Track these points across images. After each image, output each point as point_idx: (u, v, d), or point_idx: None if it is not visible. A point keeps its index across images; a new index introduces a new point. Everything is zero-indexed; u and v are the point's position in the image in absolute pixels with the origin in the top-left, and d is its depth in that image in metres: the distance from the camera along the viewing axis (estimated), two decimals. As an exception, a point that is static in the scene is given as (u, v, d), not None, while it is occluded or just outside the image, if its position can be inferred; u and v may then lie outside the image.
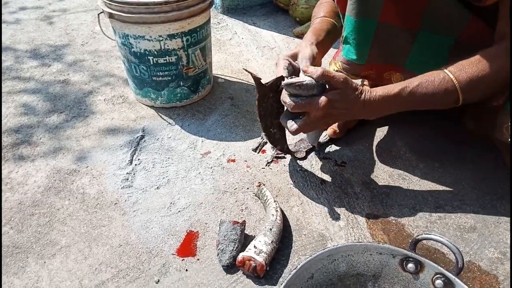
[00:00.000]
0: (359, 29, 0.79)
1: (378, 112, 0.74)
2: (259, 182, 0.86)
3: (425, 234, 0.59)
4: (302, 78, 0.71)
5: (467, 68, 0.70)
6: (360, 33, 0.79)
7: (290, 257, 0.72)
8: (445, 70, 0.71)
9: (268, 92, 0.79)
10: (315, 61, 0.80)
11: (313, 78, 0.70)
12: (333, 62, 0.89)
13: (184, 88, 1.13)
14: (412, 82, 0.71)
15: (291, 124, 0.73)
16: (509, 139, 0.72)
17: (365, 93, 0.71)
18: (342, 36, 0.84)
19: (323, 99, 0.69)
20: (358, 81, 0.72)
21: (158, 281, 0.68)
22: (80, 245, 0.74)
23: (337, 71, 0.86)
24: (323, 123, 0.74)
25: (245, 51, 1.49)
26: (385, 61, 0.84)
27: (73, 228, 0.78)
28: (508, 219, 0.78)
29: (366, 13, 0.77)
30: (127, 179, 0.89)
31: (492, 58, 0.69)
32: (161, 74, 1.09)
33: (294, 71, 0.78)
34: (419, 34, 0.78)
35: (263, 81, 0.78)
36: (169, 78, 1.10)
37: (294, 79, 0.70)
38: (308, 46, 0.82)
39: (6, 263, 0.71)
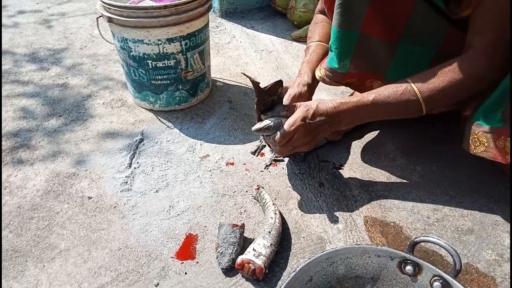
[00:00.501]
0: (341, 39, 0.81)
1: (341, 121, 0.77)
2: (257, 185, 0.86)
3: (423, 236, 0.60)
4: (266, 121, 0.77)
5: (430, 79, 0.72)
6: (343, 43, 0.81)
7: (289, 260, 0.72)
8: (409, 81, 0.73)
9: (267, 96, 0.79)
10: (302, 99, 0.86)
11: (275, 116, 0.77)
12: (319, 68, 0.91)
13: (183, 91, 1.14)
14: (374, 92, 0.75)
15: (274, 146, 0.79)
16: (475, 152, 0.72)
17: (320, 102, 0.76)
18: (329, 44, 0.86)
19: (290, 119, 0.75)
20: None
21: (158, 284, 0.68)
22: (79, 249, 0.74)
23: (321, 77, 0.89)
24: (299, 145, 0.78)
25: (243, 55, 1.50)
26: (367, 70, 0.86)
27: (72, 231, 0.78)
28: (505, 221, 0.79)
29: (349, 24, 0.79)
30: (126, 182, 0.89)
31: (455, 69, 0.71)
32: (160, 77, 1.09)
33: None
34: (399, 47, 0.81)
35: (262, 85, 0.78)
36: (168, 81, 1.10)
37: (260, 125, 0.76)
38: (299, 85, 0.88)
39: (5, 267, 0.71)
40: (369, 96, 0.74)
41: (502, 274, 0.69)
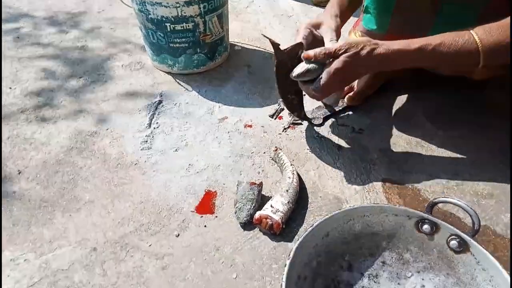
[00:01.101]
0: None
1: (393, 65, 0.71)
2: (275, 147, 0.87)
3: (442, 197, 0.60)
4: (304, 65, 0.72)
5: (494, 32, 0.67)
6: (381, 2, 0.77)
7: (306, 217, 0.73)
8: (471, 32, 0.69)
9: (287, 58, 0.78)
10: (338, 33, 0.79)
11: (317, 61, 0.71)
12: (353, 31, 0.88)
13: (201, 55, 1.13)
14: (435, 40, 0.69)
15: (310, 87, 0.73)
16: None
17: (378, 48, 0.69)
18: (363, 6, 0.83)
19: (335, 63, 0.69)
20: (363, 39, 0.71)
21: (178, 235, 0.70)
22: (103, 201, 0.77)
23: None
24: (340, 81, 0.73)
25: (262, 19, 1.47)
26: (407, 32, 0.81)
27: (96, 185, 0.80)
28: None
29: None
30: (146, 141, 0.91)
31: None
32: (178, 40, 1.09)
33: (314, 40, 0.78)
34: (442, 6, 0.76)
35: (282, 47, 0.77)
36: (186, 44, 1.10)
37: (299, 70, 0.72)
38: (332, 17, 0.80)
39: (35, 215, 0.74)
40: (429, 45, 0.68)
41: (519, 237, 0.69)
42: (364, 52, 0.68)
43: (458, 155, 0.86)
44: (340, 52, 0.69)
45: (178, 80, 1.13)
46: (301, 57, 0.74)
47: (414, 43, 0.69)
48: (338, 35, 0.81)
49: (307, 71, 0.72)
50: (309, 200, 0.77)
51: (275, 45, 0.77)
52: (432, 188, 0.79)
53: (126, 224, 0.72)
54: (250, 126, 0.96)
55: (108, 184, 0.80)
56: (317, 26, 0.81)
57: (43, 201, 0.77)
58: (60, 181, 0.81)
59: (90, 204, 0.76)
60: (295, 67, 0.78)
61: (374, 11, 0.79)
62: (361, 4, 0.89)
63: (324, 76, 0.70)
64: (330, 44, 0.76)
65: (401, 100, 1.03)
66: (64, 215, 0.74)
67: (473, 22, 0.75)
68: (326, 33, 0.78)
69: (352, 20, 0.94)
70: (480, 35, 0.68)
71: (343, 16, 0.85)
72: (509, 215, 0.73)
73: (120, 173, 0.83)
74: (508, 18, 0.68)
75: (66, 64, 1.21)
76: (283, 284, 0.51)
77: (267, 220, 0.69)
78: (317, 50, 0.71)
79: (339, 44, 0.70)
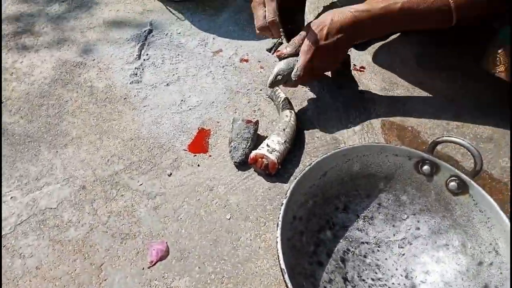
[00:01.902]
0: None
1: (367, 31, 0.68)
2: (273, 83, 0.82)
3: (445, 136, 0.58)
4: (279, 66, 0.71)
5: None
6: None
7: (302, 158, 0.72)
8: None
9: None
10: None
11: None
12: None
13: (194, -21, 1.04)
14: None
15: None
16: (494, 72, 0.67)
17: (343, 15, 0.66)
18: None
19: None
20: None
21: (171, 174, 0.68)
22: (91, 137, 0.74)
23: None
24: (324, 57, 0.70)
25: None
26: None
27: (83, 120, 0.77)
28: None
29: None
30: (136, 74, 0.86)
31: None
32: (169, -39, 0.99)
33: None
34: None
35: None
36: (178, -34, 1.00)
37: (273, 76, 0.71)
38: None
39: (19, 151, 0.71)
40: (397, 3, 0.64)
41: (516, 181, 0.69)
42: (327, 20, 0.66)
43: (461, 98, 0.83)
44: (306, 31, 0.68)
45: (169, 8, 1.04)
46: (275, 55, 0.73)
47: (379, 3, 0.65)
48: None
49: (279, 74, 0.71)
50: (306, 141, 0.74)
51: None
52: (432, 130, 0.76)
53: (116, 162, 0.70)
54: (246, 60, 0.91)
55: (96, 119, 0.77)
56: None
57: (27, 136, 0.73)
58: (45, 115, 0.77)
59: (77, 140, 0.73)
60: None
61: None
62: None
63: (300, 58, 0.68)
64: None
65: (405, 40, 0.96)
66: (51, 151, 0.71)
67: None
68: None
69: None
70: None
71: None
72: (507, 159, 0.72)
73: (108, 107, 0.79)
74: None
75: (45, -13, 1.11)
76: (279, 223, 0.50)
77: (263, 159, 0.67)
78: (288, 45, 0.71)
79: (307, 27, 0.69)
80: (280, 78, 0.71)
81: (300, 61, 0.68)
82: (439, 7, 0.64)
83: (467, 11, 0.65)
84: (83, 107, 0.79)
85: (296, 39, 0.71)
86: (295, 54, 0.71)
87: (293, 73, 0.70)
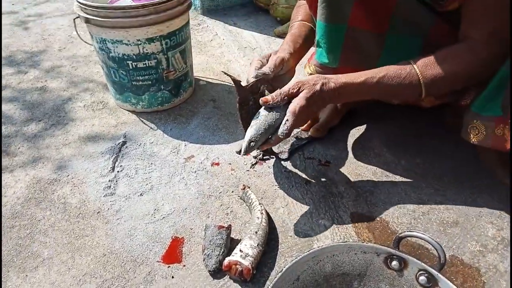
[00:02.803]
0: (329, 34, 0.80)
1: (344, 98, 0.75)
2: (243, 185, 0.85)
3: (407, 231, 0.60)
4: (250, 133, 0.73)
5: (433, 65, 0.72)
6: (331, 37, 0.81)
7: (277, 259, 0.72)
8: (412, 64, 0.73)
9: (249, 95, 0.79)
10: (283, 65, 0.83)
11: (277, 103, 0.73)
12: (307, 65, 0.90)
13: (165, 92, 1.12)
14: (379, 73, 0.73)
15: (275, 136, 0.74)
16: (474, 141, 0.73)
17: (328, 83, 0.72)
18: (315, 40, 0.85)
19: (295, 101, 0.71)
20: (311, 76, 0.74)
21: (144, 290, 0.67)
22: (63, 256, 0.73)
23: (311, 74, 0.87)
24: (304, 119, 0.75)
25: (226, 52, 1.49)
26: (357, 64, 0.84)
27: (55, 239, 0.76)
28: (488, 212, 0.80)
29: (336, 17, 0.78)
30: (110, 186, 0.88)
31: (457, 56, 0.72)
32: (141, 78, 1.07)
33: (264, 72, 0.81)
34: (387, 37, 0.80)
35: (243, 83, 0.78)
36: (150, 82, 1.08)
37: (246, 143, 0.72)
38: (282, 52, 0.85)
39: (-15, 279, 0.69)
40: (374, 78, 0.73)
41: (486, 264, 0.70)
42: (317, 87, 0.71)
43: (422, 183, 0.87)
44: (295, 91, 0.72)
45: (142, 119, 1.11)
46: (259, 102, 0.74)
47: (360, 76, 0.74)
48: (284, 67, 0.84)
49: (250, 141, 0.72)
50: (280, 241, 0.75)
51: (237, 82, 0.77)
52: (399, 220, 0.79)
53: (88, 281, 0.68)
54: (217, 164, 0.95)
55: (68, 237, 0.76)
56: (269, 58, 0.84)
57: (-4, 262, 0.72)
58: (16, 237, 0.76)
59: (48, 261, 0.72)
60: (257, 102, 0.77)
61: (325, 46, 0.82)
62: None
63: (290, 118, 0.70)
64: (261, 70, 0.79)
65: (363, 130, 1.04)
66: (20, 276, 0.69)
67: (418, 52, 0.78)
68: (270, 60, 0.82)
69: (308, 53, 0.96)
70: (421, 67, 0.73)
71: (297, 52, 0.88)
72: (474, 242, 0.75)
73: (81, 223, 0.79)
74: (447, 49, 0.73)
75: (24, 107, 1.17)
76: None
77: (237, 266, 0.67)
78: (273, 94, 0.73)
79: (291, 84, 0.73)
80: (253, 145, 0.72)
81: (290, 121, 0.70)
82: (410, 82, 0.73)
83: (436, 88, 0.73)
84: (56, 225, 0.79)
85: (283, 91, 0.73)
86: (279, 105, 0.73)
87: (280, 131, 0.71)
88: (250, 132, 0.73)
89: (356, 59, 0.84)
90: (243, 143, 0.73)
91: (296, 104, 0.70)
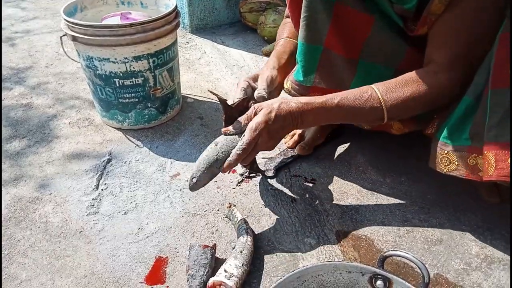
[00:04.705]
0: (306, 53, 0.82)
1: (306, 121, 0.74)
2: (229, 203, 0.85)
3: (391, 250, 0.60)
4: (193, 169, 0.74)
5: (394, 88, 0.73)
6: (308, 56, 0.82)
7: (262, 279, 0.71)
8: (374, 88, 0.74)
9: (235, 113, 0.79)
10: (274, 83, 0.85)
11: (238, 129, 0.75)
12: (286, 80, 0.91)
13: (152, 109, 1.12)
14: (340, 95, 0.74)
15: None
16: (446, 171, 0.73)
17: (286, 104, 0.72)
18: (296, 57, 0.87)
19: (252, 123, 0.71)
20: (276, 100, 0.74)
21: (126, 312, 0.65)
22: (42, 278, 0.71)
23: (287, 89, 0.89)
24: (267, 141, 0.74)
25: (214, 70, 1.50)
26: (330, 85, 0.85)
27: (35, 260, 0.74)
28: (471, 230, 0.81)
29: (313, 38, 0.80)
30: (93, 205, 0.86)
31: (418, 80, 0.72)
32: (127, 96, 1.07)
33: (252, 91, 0.83)
34: (359, 64, 0.82)
35: (229, 102, 0.78)
36: (136, 99, 1.08)
37: (189, 180, 0.74)
38: (269, 69, 0.86)
39: (-40, 303, 0.66)
40: (334, 99, 0.73)
41: (470, 283, 0.70)
42: (275, 106, 0.71)
43: (407, 201, 0.88)
44: (254, 115, 0.73)
45: (128, 136, 1.10)
46: (222, 131, 0.76)
47: (321, 98, 0.74)
48: (274, 85, 0.86)
49: (192, 177, 0.73)
50: (265, 260, 0.75)
51: (223, 101, 0.77)
52: (384, 238, 0.79)
53: (67, 304, 0.66)
54: (203, 181, 0.94)
55: (48, 258, 0.74)
56: (255, 78, 0.86)
57: (-29, 285, 0.69)
58: (-6, 258, 0.74)
59: (26, 283, 0.70)
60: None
61: (301, 64, 0.83)
62: None
63: (247, 133, 0.71)
64: (257, 92, 0.81)
65: (349, 148, 1.05)
66: (-4, 300, 0.67)
67: (390, 77, 0.79)
68: (260, 83, 0.83)
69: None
70: (382, 91, 0.73)
71: (282, 68, 0.89)
72: (459, 260, 0.75)
73: (62, 243, 0.77)
74: (410, 73, 0.74)
75: (8, 124, 1.15)
76: None
77: (221, 286, 0.66)
78: (234, 123, 0.76)
79: (250, 110, 0.75)
80: (195, 181, 0.72)
81: (246, 136, 0.70)
82: (372, 106, 0.72)
83: (397, 111, 0.73)
84: (36, 246, 0.77)
85: (242, 119, 0.75)
86: (241, 132, 0.74)
87: (238, 146, 0.71)
88: (194, 168, 0.74)
89: (329, 81, 0.85)
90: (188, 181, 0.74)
91: (253, 121, 0.71)
